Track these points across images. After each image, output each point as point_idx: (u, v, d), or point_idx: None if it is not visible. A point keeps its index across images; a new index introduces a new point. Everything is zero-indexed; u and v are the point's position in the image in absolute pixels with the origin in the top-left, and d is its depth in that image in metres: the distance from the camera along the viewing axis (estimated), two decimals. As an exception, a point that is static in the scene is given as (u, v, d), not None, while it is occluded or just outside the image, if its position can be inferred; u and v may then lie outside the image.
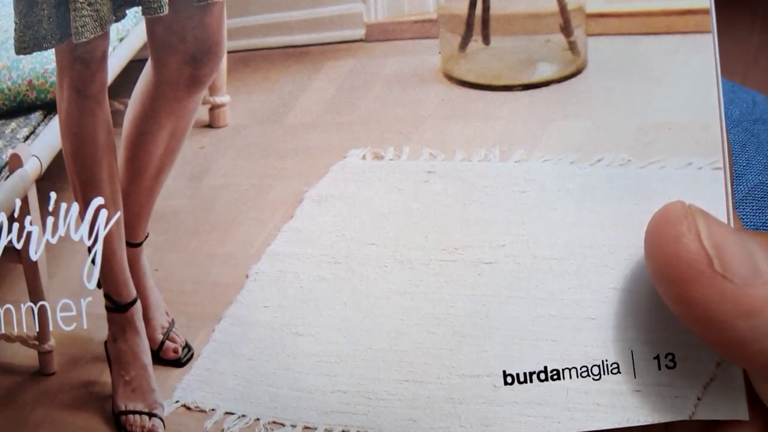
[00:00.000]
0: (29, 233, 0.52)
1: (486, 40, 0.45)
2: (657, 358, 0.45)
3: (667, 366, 0.45)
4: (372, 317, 0.48)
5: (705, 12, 0.46)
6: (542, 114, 0.46)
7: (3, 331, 0.52)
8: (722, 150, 0.45)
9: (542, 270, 0.46)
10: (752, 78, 1.82)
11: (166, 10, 0.49)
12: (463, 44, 0.45)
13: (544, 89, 0.46)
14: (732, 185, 0.48)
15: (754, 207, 0.77)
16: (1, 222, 0.51)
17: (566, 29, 0.45)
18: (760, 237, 0.40)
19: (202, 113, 0.51)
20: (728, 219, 0.45)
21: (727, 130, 0.46)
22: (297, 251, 0.49)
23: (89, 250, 0.51)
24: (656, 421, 0.46)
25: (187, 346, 0.50)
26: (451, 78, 0.46)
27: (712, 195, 0.45)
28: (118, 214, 0.51)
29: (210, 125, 0.50)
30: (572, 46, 0.45)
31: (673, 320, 0.42)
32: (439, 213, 0.47)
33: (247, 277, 0.49)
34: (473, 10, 0.45)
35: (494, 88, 0.46)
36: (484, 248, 0.47)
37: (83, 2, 0.49)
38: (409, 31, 0.46)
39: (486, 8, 0.45)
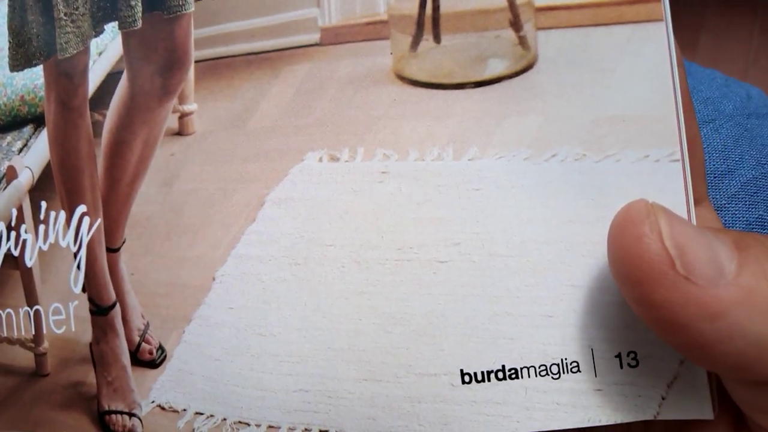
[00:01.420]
0: (24, 241, 0.42)
1: (437, 38, 0.33)
2: (618, 356, 0.32)
3: (629, 364, 0.32)
4: (331, 317, 0.35)
5: (656, 0, 0.33)
6: (495, 111, 0.34)
7: (5, 335, 0.41)
8: (680, 141, 0.32)
9: (498, 267, 0.34)
10: (752, 78, 1.50)
11: (139, 24, 0.39)
12: (414, 44, 0.33)
13: (496, 86, 0.33)
14: (702, 179, 0.34)
15: (747, 203, 0.61)
16: (1, 231, 0.41)
17: (516, 24, 0.33)
18: (725, 234, 0.28)
19: (172, 121, 0.39)
20: (689, 214, 0.32)
21: (690, 122, 0.32)
22: (259, 253, 0.37)
23: (75, 255, 0.40)
24: (619, 421, 0.33)
25: (161, 348, 0.39)
26: (403, 78, 0.34)
27: (670, 188, 0.31)
28: (99, 220, 0.40)
29: (179, 133, 0.39)
30: (522, 41, 0.33)
31: (635, 318, 0.30)
32: (394, 213, 0.35)
33: (213, 279, 0.37)
34: (423, 9, 0.33)
35: (446, 87, 0.34)
36: (439, 247, 0.34)
37: (66, 20, 0.40)
38: (361, 33, 0.34)
39: (436, 7, 0.33)
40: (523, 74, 0.33)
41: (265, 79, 0.36)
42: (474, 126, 0.33)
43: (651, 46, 0.32)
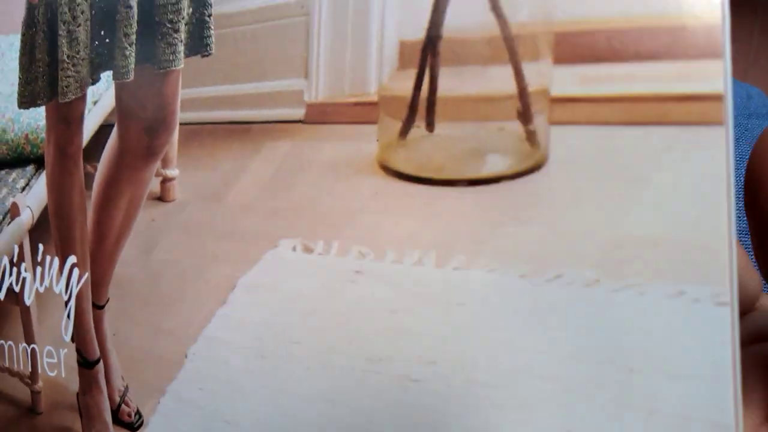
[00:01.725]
0: (24, 279, 0.31)
1: (430, 126, 0.21)
2: None
3: None
4: (294, 419, 0.24)
5: (716, 98, 0.18)
6: (489, 215, 0.22)
7: (6, 365, 0.32)
8: (730, 280, 0.18)
9: (478, 396, 0.22)
10: (752, 78, 1.16)
11: (131, 76, 0.28)
12: (404, 130, 0.21)
13: (493, 186, 0.21)
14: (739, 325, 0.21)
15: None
16: (5, 264, 0.31)
17: (525, 115, 0.21)
18: None
19: (154, 185, 0.28)
20: (734, 373, 0.19)
21: (736, 243, 0.20)
22: (228, 339, 0.26)
23: (66, 304, 0.30)
24: None
25: (139, 413, 0.28)
26: (387, 168, 0.22)
27: (711, 338, 0.18)
28: (87, 274, 0.30)
29: (161, 198, 0.28)
30: (531, 136, 0.21)
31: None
32: (365, 318, 0.23)
33: (186, 356, 0.27)
34: (418, 92, 0.21)
35: (435, 182, 0.22)
36: (411, 363, 0.23)
37: (68, 63, 0.29)
38: (348, 113, 0.22)
39: (433, 90, 0.21)
40: (527, 175, 0.21)
41: (246, 152, 0.25)
42: (463, 230, 0.21)
43: (701, 156, 0.19)
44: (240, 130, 0.25)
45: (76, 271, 0.29)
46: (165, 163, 0.27)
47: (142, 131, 0.28)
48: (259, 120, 0.24)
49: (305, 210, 0.23)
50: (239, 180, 0.24)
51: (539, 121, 0.20)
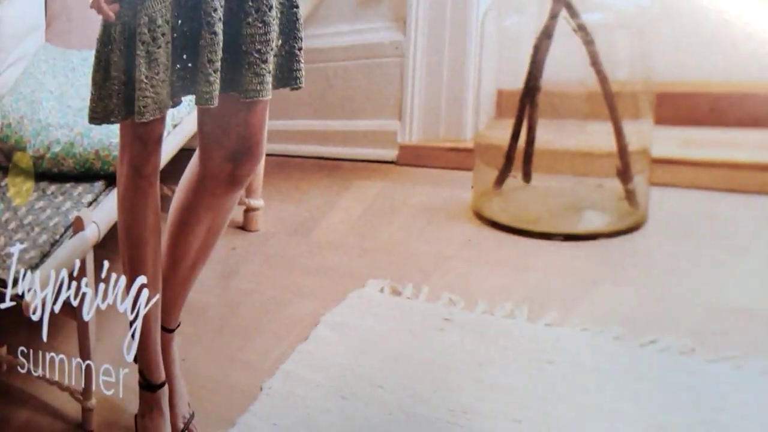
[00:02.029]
0: (84, 294, 0.31)
1: (527, 177, 0.22)
2: None
3: None
4: (371, 464, 0.25)
5: None
6: (585, 273, 0.22)
7: (56, 379, 0.33)
8: None
9: (565, 457, 0.22)
10: None
11: (215, 103, 0.28)
12: (500, 180, 0.22)
13: (590, 243, 0.22)
14: None
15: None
16: (63, 277, 0.31)
17: (624, 174, 0.21)
18: None
19: (237, 214, 0.29)
20: None
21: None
22: (307, 376, 0.26)
23: (131, 324, 0.31)
24: None
25: (204, 440, 0.29)
26: (482, 217, 0.23)
27: None
28: (158, 296, 0.29)
29: (243, 227, 0.29)
30: (630, 195, 0.21)
31: None
32: (451, 368, 0.24)
33: (261, 389, 0.27)
34: (515, 141, 0.22)
35: (530, 234, 0.22)
36: (498, 419, 0.23)
37: (147, 83, 0.29)
38: (442, 158, 0.23)
39: (531, 140, 0.22)
40: (626, 235, 0.21)
41: (334, 189, 0.26)
42: (557, 286, 0.21)
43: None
44: (329, 166, 0.25)
45: (145, 292, 0.30)
46: (249, 193, 0.28)
47: (225, 158, 0.28)
48: (349, 158, 0.25)
49: (395, 252, 0.23)
50: (327, 216, 0.25)
51: (639, 181, 0.21)
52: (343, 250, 0.25)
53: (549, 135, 0.21)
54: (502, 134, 0.22)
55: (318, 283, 0.26)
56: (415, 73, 0.23)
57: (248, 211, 0.28)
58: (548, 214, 0.21)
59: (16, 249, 0.33)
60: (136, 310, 0.30)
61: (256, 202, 0.27)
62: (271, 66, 0.27)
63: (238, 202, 0.29)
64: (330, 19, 0.25)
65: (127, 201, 0.32)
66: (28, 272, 0.32)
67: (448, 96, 0.23)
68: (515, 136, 0.21)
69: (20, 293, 0.31)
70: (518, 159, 0.21)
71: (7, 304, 0.32)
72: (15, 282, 0.32)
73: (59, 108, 0.35)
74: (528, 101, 0.21)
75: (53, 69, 0.38)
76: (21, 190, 0.35)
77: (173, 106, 0.30)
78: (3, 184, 0.35)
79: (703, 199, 0.20)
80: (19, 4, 0.45)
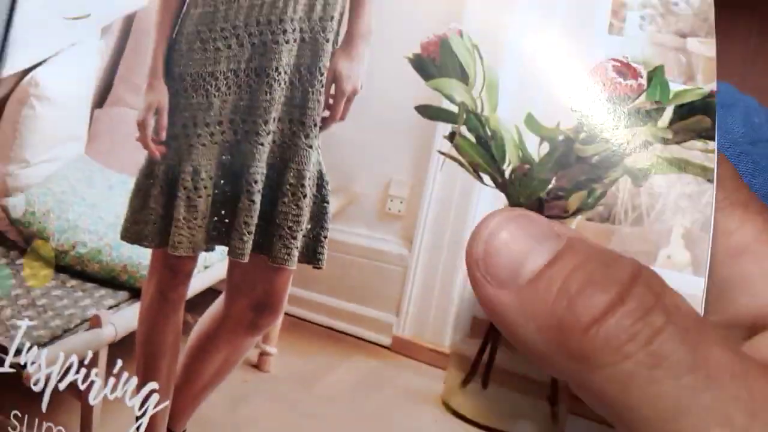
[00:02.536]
0: (93, 382, 0.35)
1: (484, 384, 0.30)
2: None
3: None
4: None
5: None
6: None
7: None
8: None
9: None
10: (750, 79, 1.14)
11: (246, 259, 0.34)
12: (465, 382, 0.30)
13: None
14: None
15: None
16: (73, 361, 0.35)
17: (551, 399, 0.30)
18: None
19: (252, 354, 0.36)
20: None
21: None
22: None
23: (137, 419, 0.35)
24: None
25: None
26: (448, 406, 0.31)
27: None
28: (167, 402, 0.34)
29: (256, 366, 0.35)
30: (554, 416, 0.30)
31: None
32: None
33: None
34: (480, 356, 0.31)
35: (485, 428, 0.30)
36: None
37: (184, 224, 0.35)
38: (425, 355, 0.31)
39: (491, 358, 0.30)
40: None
41: (337, 355, 0.33)
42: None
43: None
44: (336, 336, 0.33)
45: (155, 396, 0.34)
46: (265, 339, 0.34)
47: (248, 307, 0.34)
48: (353, 334, 0.33)
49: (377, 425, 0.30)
50: (327, 376, 0.32)
51: (561, 408, 0.29)
52: (340, 409, 0.31)
53: (505, 359, 0.30)
54: (471, 348, 0.30)
55: (316, 427, 0.32)
56: (414, 284, 0.32)
57: (263, 354, 0.34)
58: (496, 415, 0.29)
59: (24, 323, 0.35)
60: (144, 409, 0.33)
61: (271, 348, 0.34)
62: (299, 243, 0.32)
63: (254, 345, 0.35)
64: (354, 221, 0.33)
65: (150, 319, 0.35)
66: (35, 347, 0.34)
67: (436, 307, 0.31)
68: (481, 351, 0.30)
69: (22, 363, 0.34)
70: (481, 369, 0.30)
71: (6, 369, 0.34)
72: (18, 351, 0.34)
73: (90, 216, 0.38)
74: (493, 333, 0.30)
75: (89, 179, 0.40)
76: (38, 274, 0.37)
77: (206, 251, 0.34)
78: (18, 262, 0.37)
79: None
80: (59, 109, 0.42)
